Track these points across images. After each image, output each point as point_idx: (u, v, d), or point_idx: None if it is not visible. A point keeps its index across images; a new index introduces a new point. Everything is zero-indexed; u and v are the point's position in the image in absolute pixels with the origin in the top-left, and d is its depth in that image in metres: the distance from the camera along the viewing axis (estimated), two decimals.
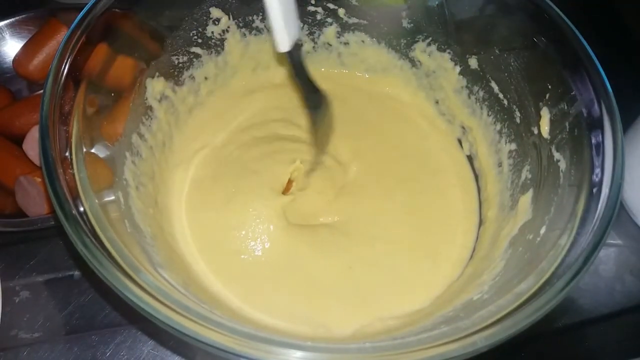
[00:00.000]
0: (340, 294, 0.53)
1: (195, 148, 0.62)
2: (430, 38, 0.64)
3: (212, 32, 0.62)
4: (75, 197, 0.40)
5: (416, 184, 0.62)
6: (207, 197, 0.58)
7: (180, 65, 0.61)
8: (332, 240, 0.56)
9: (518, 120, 0.56)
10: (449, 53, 0.63)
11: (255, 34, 0.65)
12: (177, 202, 0.58)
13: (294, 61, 0.52)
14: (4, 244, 0.63)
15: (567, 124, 0.49)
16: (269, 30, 0.47)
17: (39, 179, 0.58)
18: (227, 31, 0.63)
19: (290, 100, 0.67)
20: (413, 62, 0.67)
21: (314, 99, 0.56)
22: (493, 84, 0.59)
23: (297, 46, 0.50)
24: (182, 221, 0.57)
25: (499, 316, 0.38)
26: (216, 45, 0.63)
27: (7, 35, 0.74)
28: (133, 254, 0.40)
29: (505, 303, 0.39)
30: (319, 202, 0.59)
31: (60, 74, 0.45)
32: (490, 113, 0.61)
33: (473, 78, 0.62)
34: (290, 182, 0.59)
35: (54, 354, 0.56)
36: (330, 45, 0.69)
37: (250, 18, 0.64)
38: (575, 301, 0.61)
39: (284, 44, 0.48)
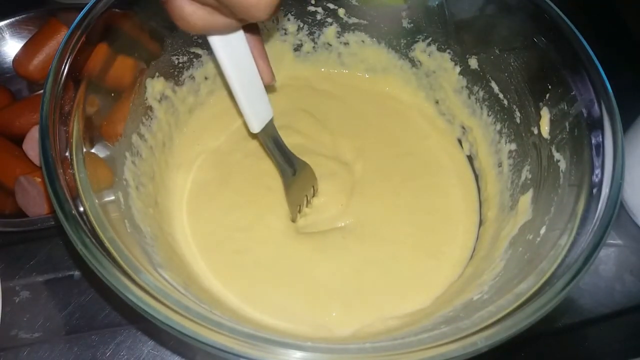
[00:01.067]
0: (342, 295, 0.53)
1: (196, 150, 0.62)
2: (430, 38, 0.64)
3: None
4: (75, 197, 0.40)
5: (417, 183, 0.62)
6: (212, 201, 0.58)
7: (180, 65, 0.61)
8: (343, 243, 0.56)
9: (518, 120, 0.56)
10: (449, 53, 0.63)
11: None
12: (178, 204, 0.58)
13: (267, 141, 0.53)
14: (4, 244, 0.63)
15: (567, 124, 0.49)
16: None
17: (39, 179, 0.58)
18: None
19: (291, 102, 0.67)
20: (413, 62, 0.67)
21: (290, 169, 0.56)
22: (493, 84, 0.59)
23: (269, 125, 0.52)
24: (182, 222, 0.57)
25: (499, 316, 0.38)
26: None
27: (7, 35, 0.74)
28: (133, 254, 0.40)
29: (505, 303, 0.39)
30: (334, 210, 0.59)
31: (60, 74, 0.45)
32: (490, 113, 0.61)
33: (473, 78, 0.62)
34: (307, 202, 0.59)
35: (54, 354, 0.56)
36: (330, 45, 0.69)
37: None
38: (575, 301, 0.61)
39: (253, 127, 0.51)
